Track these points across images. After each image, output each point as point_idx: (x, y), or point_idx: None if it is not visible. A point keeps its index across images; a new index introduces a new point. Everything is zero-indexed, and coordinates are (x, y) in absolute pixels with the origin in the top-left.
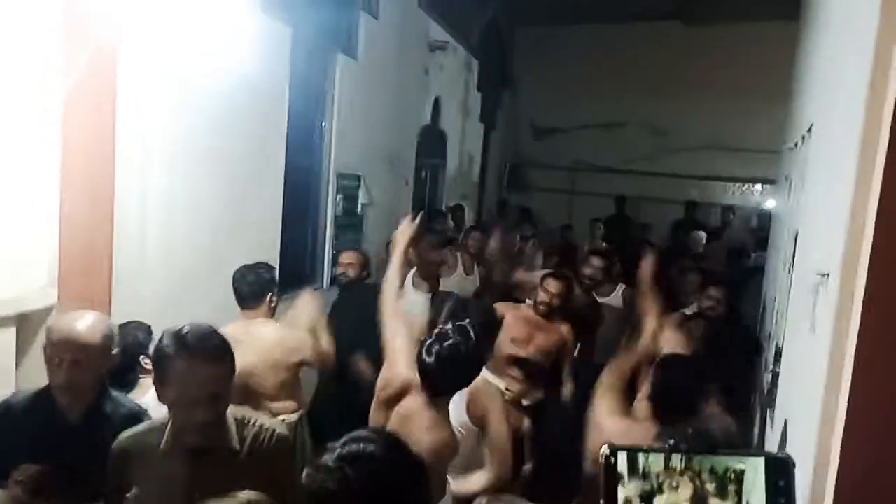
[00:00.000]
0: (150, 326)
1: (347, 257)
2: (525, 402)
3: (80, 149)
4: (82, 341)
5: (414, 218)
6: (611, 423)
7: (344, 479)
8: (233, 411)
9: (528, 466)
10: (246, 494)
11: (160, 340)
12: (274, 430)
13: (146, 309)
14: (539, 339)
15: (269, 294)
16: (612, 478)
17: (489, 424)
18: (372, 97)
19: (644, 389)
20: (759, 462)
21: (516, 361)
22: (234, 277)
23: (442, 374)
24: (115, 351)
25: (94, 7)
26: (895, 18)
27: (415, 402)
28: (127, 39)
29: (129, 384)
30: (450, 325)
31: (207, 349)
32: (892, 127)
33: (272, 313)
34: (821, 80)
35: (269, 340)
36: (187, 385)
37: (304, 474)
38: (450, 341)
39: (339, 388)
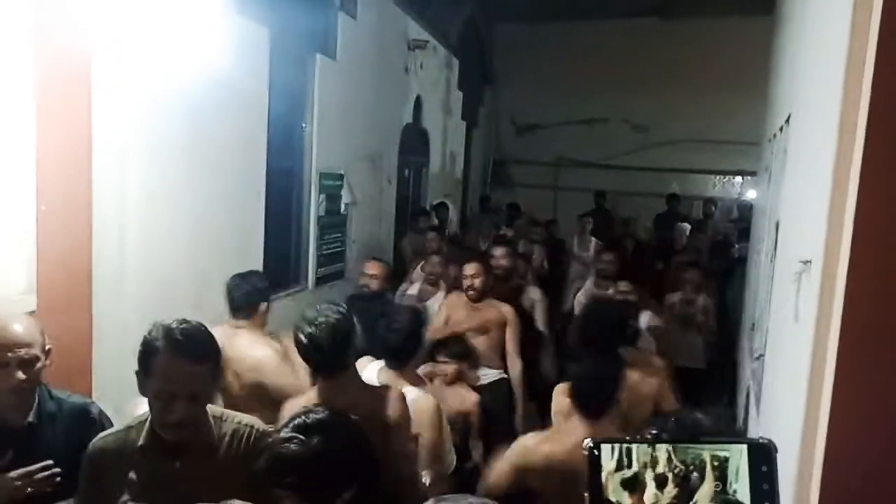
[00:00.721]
0: None
1: (372, 268)
2: (479, 382)
3: (56, 154)
4: (27, 340)
5: None
6: None
7: (306, 441)
8: (211, 409)
9: (476, 456)
10: None
11: (150, 332)
12: (252, 426)
13: (127, 313)
14: (475, 319)
15: (263, 304)
16: (596, 470)
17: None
18: (352, 97)
19: None
20: (742, 449)
21: (450, 340)
22: (227, 286)
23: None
24: (48, 347)
25: (66, 11)
26: (868, 9)
27: None
28: (102, 43)
29: None
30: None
31: (192, 348)
32: (868, 115)
33: (264, 323)
34: (797, 72)
35: (240, 357)
36: (168, 381)
37: (263, 455)
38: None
39: None
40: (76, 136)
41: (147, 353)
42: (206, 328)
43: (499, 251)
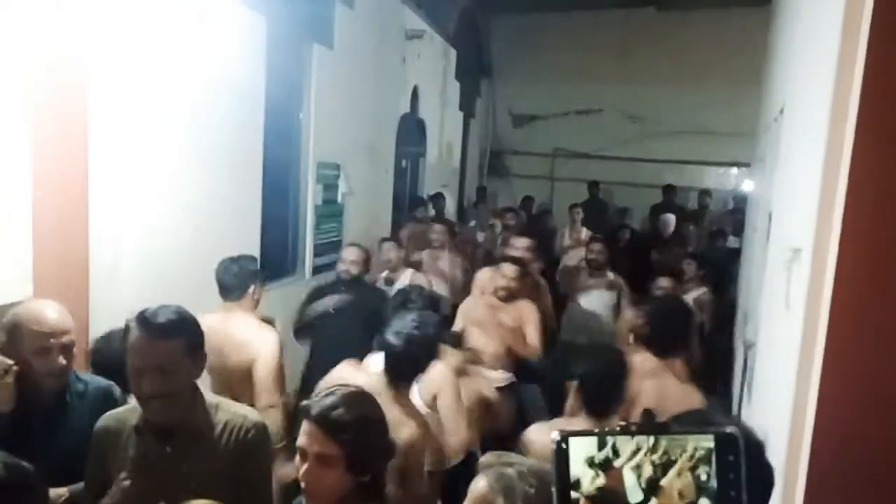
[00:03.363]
0: None
1: (350, 254)
2: (498, 385)
3: (51, 142)
4: (65, 327)
5: None
6: None
7: (356, 405)
8: (208, 397)
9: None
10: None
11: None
12: (246, 417)
13: (125, 303)
14: (495, 318)
15: (252, 286)
16: (564, 464)
17: (440, 400)
18: (349, 86)
19: None
20: (710, 439)
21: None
22: (217, 269)
23: (402, 359)
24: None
25: None
26: (860, 2)
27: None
28: (99, 30)
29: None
30: (412, 314)
31: (157, 323)
32: (859, 107)
33: (255, 306)
34: (792, 63)
35: (236, 339)
36: (134, 355)
37: (318, 413)
38: (411, 326)
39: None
40: (72, 123)
41: (124, 336)
42: (182, 310)
43: (522, 242)
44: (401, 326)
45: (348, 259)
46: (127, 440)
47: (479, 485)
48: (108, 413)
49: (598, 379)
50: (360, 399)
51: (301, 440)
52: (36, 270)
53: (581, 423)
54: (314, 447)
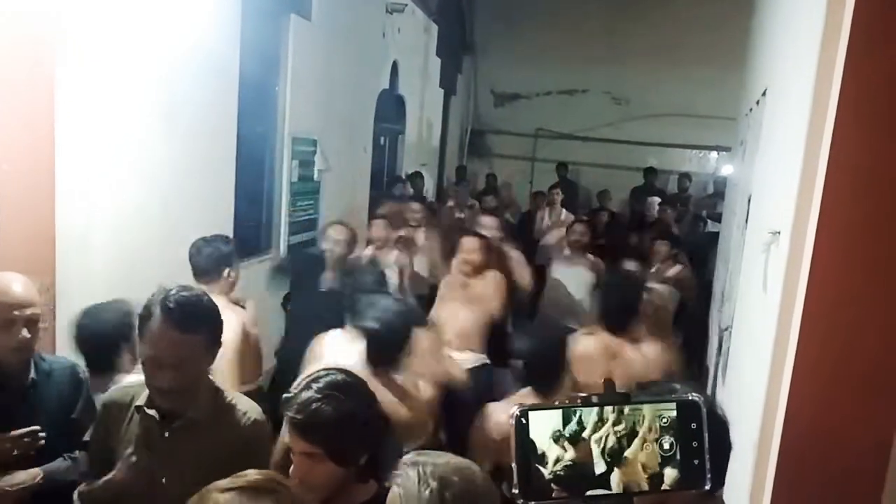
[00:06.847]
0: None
1: (337, 232)
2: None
3: (16, 117)
4: (30, 300)
5: None
6: None
7: (344, 400)
8: (213, 386)
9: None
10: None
11: (151, 296)
12: (245, 413)
13: (94, 281)
14: (467, 294)
15: (227, 269)
16: (525, 439)
17: None
18: (327, 60)
19: None
20: (672, 408)
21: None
22: (190, 250)
23: (383, 343)
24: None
25: None
26: None
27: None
28: (68, 2)
29: (109, 368)
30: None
31: (182, 317)
32: (840, 92)
33: (230, 288)
34: (775, 46)
35: None
36: (155, 348)
37: (292, 408)
38: (391, 309)
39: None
40: (39, 96)
41: (143, 317)
42: (205, 298)
43: (488, 220)
44: (380, 309)
45: (333, 237)
46: (131, 417)
47: (393, 489)
48: (118, 385)
49: (539, 357)
50: (339, 388)
51: (285, 437)
52: (0, 245)
53: (527, 397)
54: (297, 447)
